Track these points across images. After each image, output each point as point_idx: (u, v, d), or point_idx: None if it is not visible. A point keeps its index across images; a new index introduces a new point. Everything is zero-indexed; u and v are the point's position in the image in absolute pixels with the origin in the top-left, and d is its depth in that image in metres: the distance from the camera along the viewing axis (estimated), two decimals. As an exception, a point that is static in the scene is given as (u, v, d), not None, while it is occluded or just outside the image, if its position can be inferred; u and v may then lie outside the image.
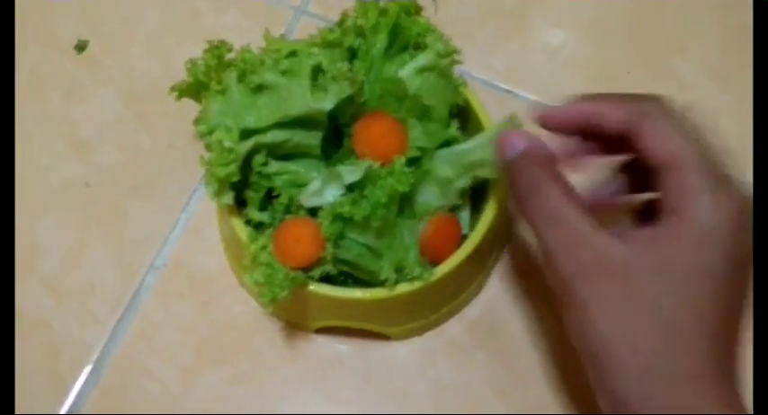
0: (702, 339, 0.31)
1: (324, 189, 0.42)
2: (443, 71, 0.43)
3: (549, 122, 0.38)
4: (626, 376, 0.32)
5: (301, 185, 0.44)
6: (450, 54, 0.42)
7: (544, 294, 0.50)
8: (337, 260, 0.42)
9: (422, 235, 0.42)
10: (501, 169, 0.38)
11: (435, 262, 0.43)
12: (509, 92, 0.58)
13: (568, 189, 0.35)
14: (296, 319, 0.48)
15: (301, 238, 0.41)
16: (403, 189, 0.40)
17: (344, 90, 0.40)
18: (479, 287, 0.50)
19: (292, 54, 0.42)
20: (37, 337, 0.48)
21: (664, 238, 0.32)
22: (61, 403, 0.46)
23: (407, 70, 0.42)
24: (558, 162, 0.36)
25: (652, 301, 0.32)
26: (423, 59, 0.42)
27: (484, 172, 0.42)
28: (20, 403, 0.46)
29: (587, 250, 0.33)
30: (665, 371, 0.31)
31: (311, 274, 0.42)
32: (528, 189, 0.35)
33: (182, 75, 0.45)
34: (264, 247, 0.41)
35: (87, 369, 0.47)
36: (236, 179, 0.41)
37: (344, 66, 0.40)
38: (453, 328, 0.49)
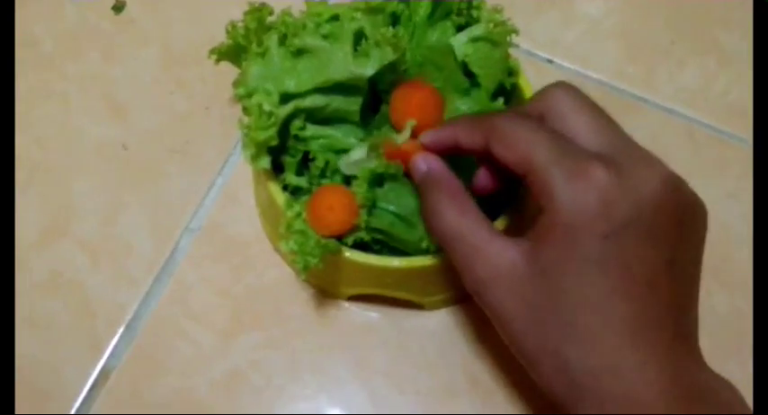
0: (607, 330, 0.31)
1: (367, 159, 0.41)
2: (497, 45, 0.42)
3: (429, 148, 0.40)
4: (548, 380, 0.33)
5: (338, 150, 0.43)
6: (507, 32, 0.42)
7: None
8: (371, 229, 0.42)
9: None
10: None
11: None
12: (549, 61, 0.57)
13: (463, 207, 0.36)
14: (329, 286, 0.48)
15: (335, 206, 0.40)
16: None
17: (387, 56, 0.40)
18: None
19: (334, 18, 0.41)
20: (73, 296, 0.48)
21: (539, 239, 0.33)
22: (96, 361, 0.47)
23: (461, 38, 0.41)
24: (454, 179, 0.38)
25: (541, 304, 0.32)
26: (478, 29, 0.41)
27: None
28: (56, 360, 0.46)
29: (483, 263, 0.34)
30: (579, 370, 0.32)
31: (345, 241, 0.41)
32: (429, 212, 0.37)
33: (220, 38, 0.45)
34: (299, 214, 0.41)
35: (121, 329, 0.47)
36: (274, 143, 0.41)
37: (389, 31, 0.39)
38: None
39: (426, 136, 0.40)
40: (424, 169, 0.39)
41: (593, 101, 0.35)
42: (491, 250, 0.34)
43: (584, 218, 0.31)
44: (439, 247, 0.41)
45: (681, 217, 0.33)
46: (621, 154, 0.33)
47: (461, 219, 0.36)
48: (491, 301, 0.34)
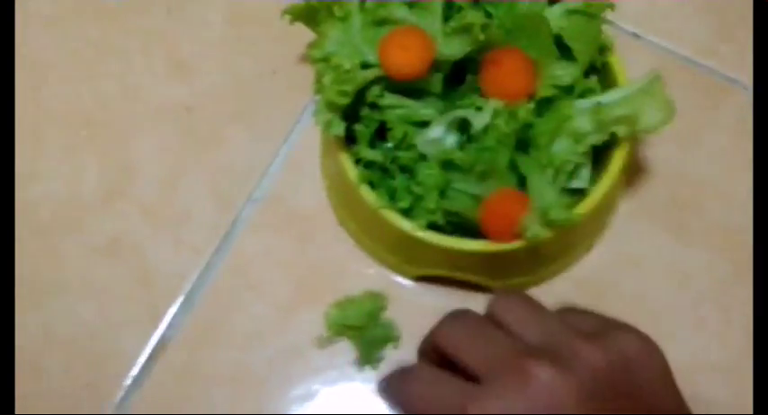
0: None
1: (445, 137, 0.39)
2: (593, 19, 0.40)
3: None
4: None
5: (415, 121, 0.41)
6: (603, 6, 0.40)
7: (657, 260, 0.47)
8: (445, 212, 0.40)
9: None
10: None
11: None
12: (636, 36, 0.53)
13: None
14: (397, 264, 0.46)
15: (410, 46, 0.39)
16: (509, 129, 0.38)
17: (477, 39, 0.37)
18: (590, 247, 0.47)
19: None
20: (131, 263, 0.47)
21: None
22: (154, 331, 0.45)
23: (555, 10, 0.39)
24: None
25: None
26: (574, 2, 0.39)
27: (621, 130, 0.39)
28: (113, 328, 0.45)
29: None
30: None
31: (418, 222, 0.40)
32: None
33: (289, -4, 0.42)
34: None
35: (180, 300, 0.46)
36: (347, 101, 0.39)
37: (480, 17, 0.37)
38: (558, 285, 0.47)
39: None
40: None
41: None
42: None
43: None
44: None
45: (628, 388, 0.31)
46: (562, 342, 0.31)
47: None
48: None
